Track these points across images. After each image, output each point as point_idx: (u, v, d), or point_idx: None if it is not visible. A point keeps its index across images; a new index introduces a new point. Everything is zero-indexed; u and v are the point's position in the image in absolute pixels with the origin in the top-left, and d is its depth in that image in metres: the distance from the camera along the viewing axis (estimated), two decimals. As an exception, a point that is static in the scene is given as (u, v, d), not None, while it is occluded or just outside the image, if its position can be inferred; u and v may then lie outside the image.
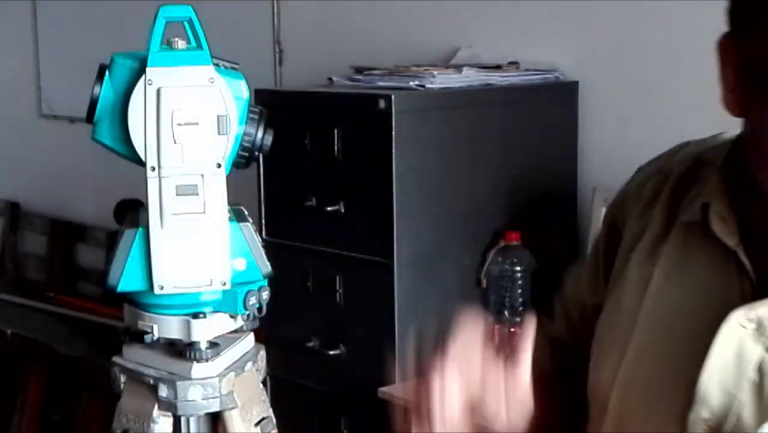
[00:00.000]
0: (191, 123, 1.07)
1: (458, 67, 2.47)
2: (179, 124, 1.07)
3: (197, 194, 1.08)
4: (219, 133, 1.08)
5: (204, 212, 1.09)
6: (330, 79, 2.52)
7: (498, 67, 2.52)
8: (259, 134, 1.13)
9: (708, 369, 1.05)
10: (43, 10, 4.25)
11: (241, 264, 1.13)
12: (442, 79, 2.38)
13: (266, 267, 1.15)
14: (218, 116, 1.08)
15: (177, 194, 1.08)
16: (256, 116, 1.13)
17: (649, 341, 1.13)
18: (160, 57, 1.08)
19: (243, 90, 1.13)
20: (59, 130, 4.20)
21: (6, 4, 4.39)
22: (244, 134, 1.12)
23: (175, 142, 1.07)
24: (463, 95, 2.41)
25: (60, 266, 4.20)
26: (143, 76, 1.07)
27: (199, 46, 1.10)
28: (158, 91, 1.07)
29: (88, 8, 4.01)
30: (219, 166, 1.09)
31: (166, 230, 1.09)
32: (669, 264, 1.14)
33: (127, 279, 1.11)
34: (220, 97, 1.08)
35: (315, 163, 2.43)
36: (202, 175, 1.08)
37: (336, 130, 2.37)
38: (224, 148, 1.09)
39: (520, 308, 2.43)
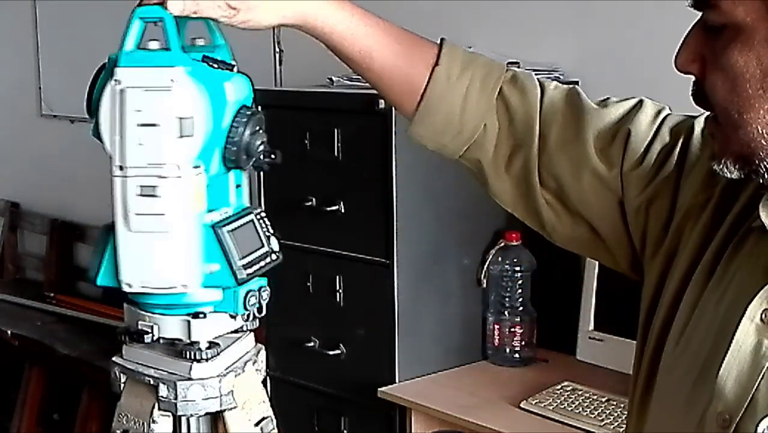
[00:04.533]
0: (151, 124, 1.07)
1: (458, 67, 2.46)
2: (140, 125, 1.07)
3: (158, 196, 1.08)
4: (181, 135, 1.07)
5: (164, 214, 1.08)
6: (330, 79, 2.52)
7: (498, 67, 2.52)
8: (246, 137, 1.12)
9: (726, 363, 1.05)
10: (43, 10, 4.26)
11: (213, 268, 1.12)
12: (442, 79, 2.38)
13: (241, 273, 1.15)
14: (180, 118, 1.07)
15: (139, 195, 1.08)
16: (245, 118, 1.12)
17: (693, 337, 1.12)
18: (128, 57, 1.08)
19: (229, 91, 1.11)
20: (59, 130, 4.20)
21: (6, 4, 4.39)
22: (229, 136, 1.11)
23: (138, 143, 1.07)
24: (463, 95, 2.41)
25: (60, 265, 4.20)
26: (112, 76, 1.08)
27: (169, 47, 1.09)
28: (122, 92, 1.07)
29: (88, 8, 4.01)
30: (180, 168, 1.08)
31: (130, 229, 1.09)
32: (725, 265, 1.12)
33: (103, 274, 1.12)
34: (184, 98, 1.07)
35: (315, 163, 2.43)
36: (163, 177, 1.07)
37: (336, 130, 2.37)
38: (188, 151, 1.08)
39: (520, 308, 2.43)
